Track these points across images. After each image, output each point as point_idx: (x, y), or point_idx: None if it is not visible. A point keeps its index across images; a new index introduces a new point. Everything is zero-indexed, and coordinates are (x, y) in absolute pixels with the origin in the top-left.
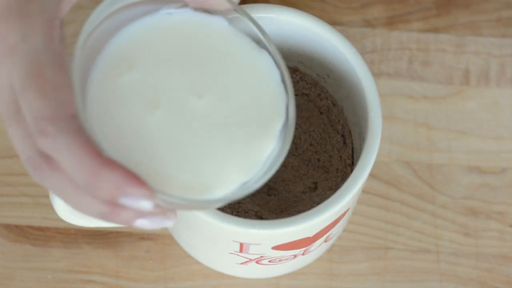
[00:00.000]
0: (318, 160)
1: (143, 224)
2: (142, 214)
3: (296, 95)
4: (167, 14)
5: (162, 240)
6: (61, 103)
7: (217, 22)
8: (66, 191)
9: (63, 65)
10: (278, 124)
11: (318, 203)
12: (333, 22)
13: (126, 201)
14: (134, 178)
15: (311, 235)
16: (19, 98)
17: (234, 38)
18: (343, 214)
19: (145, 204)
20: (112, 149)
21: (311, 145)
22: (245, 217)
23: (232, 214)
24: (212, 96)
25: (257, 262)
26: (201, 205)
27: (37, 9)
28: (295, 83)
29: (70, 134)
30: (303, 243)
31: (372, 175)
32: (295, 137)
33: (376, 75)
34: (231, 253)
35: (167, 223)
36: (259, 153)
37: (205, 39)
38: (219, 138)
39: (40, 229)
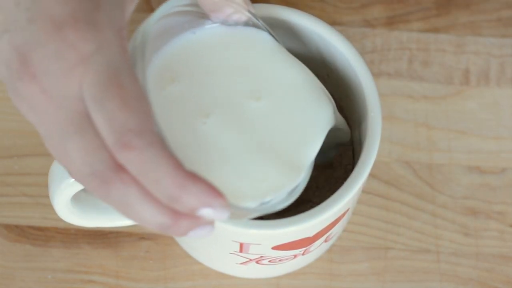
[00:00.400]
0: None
1: (195, 234)
2: (199, 224)
3: None
4: (200, 30)
5: (162, 240)
6: (145, 115)
7: (250, 32)
8: (130, 205)
9: (136, 77)
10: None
11: (318, 203)
12: (333, 22)
13: (205, 212)
14: (215, 190)
15: (311, 235)
16: (94, 109)
17: (271, 46)
18: (343, 214)
19: (223, 215)
20: None
21: None
22: None
23: None
24: (268, 98)
25: (257, 262)
26: (251, 212)
27: (105, 20)
28: None
29: (157, 147)
30: (303, 243)
31: (372, 175)
32: None
33: (376, 75)
34: (231, 253)
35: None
36: (303, 158)
37: (243, 49)
38: (272, 141)
39: (40, 229)
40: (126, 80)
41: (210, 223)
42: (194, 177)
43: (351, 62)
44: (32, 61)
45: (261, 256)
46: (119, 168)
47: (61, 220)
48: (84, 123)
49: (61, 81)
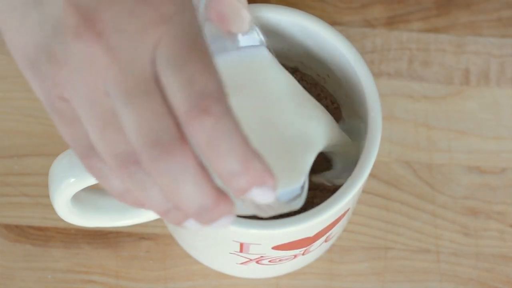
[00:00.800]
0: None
1: (219, 223)
2: (233, 212)
3: None
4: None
5: (162, 240)
6: (222, 81)
7: (255, 53)
8: (180, 181)
9: (208, 45)
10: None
11: (318, 203)
12: (333, 22)
13: (258, 192)
14: (270, 170)
15: (311, 235)
16: (171, 72)
17: (268, 62)
18: (343, 214)
19: (269, 197)
20: None
21: None
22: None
23: None
24: (266, 113)
25: (257, 262)
26: (268, 209)
27: None
28: None
29: (231, 117)
30: (303, 243)
31: (372, 175)
32: None
33: (376, 75)
34: (231, 253)
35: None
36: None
37: (243, 70)
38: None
39: (40, 229)
40: (204, 44)
41: (232, 212)
42: (259, 155)
43: (351, 62)
44: (101, 18)
45: (261, 256)
46: (183, 138)
47: (61, 220)
48: (151, 87)
49: (134, 39)
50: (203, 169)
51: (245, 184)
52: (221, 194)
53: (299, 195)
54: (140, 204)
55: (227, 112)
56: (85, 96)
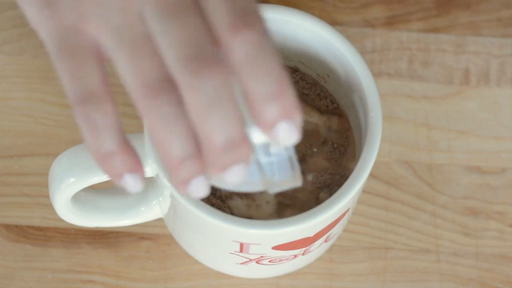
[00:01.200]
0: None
1: (234, 170)
2: (245, 157)
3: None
4: None
5: (162, 240)
6: (258, 1)
7: None
8: (217, 98)
9: None
10: None
11: (319, 203)
12: (333, 22)
13: (285, 127)
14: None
15: (311, 235)
16: None
17: None
18: (343, 214)
19: (294, 138)
20: None
21: None
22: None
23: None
24: None
25: (257, 262)
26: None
27: None
28: (295, 83)
29: (270, 36)
30: (304, 243)
31: (372, 175)
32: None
33: (376, 75)
34: (231, 253)
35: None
36: None
37: None
38: None
39: (40, 229)
40: None
41: (247, 161)
42: (290, 83)
43: (351, 62)
44: None
45: (261, 256)
46: (221, 56)
47: (61, 220)
48: (190, 4)
49: None
50: (236, 102)
51: (276, 112)
52: (246, 134)
53: (292, 169)
54: (131, 169)
55: (268, 31)
56: (116, 22)
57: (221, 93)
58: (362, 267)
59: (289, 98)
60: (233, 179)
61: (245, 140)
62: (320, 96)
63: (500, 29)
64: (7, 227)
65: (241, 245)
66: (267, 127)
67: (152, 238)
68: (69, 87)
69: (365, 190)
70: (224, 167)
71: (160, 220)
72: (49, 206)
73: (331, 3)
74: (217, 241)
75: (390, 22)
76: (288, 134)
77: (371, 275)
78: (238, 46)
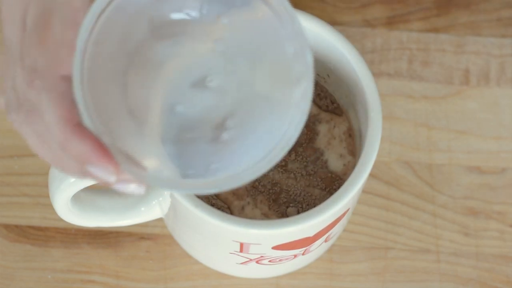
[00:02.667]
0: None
1: (123, 187)
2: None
3: None
4: None
5: (162, 240)
6: (56, 61)
7: None
8: (41, 141)
9: (75, 24)
10: None
11: (318, 203)
12: (333, 22)
13: (92, 170)
14: (101, 152)
15: (311, 235)
16: (25, 38)
17: None
18: (343, 214)
19: (109, 178)
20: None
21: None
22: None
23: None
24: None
25: (257, 262)
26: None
27: None
28: None
29: (53, 94)
30: (303, 243)
31: (372, 175)
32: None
33: (376, 75)
34: (231, 253)
35: (134, 191)
36: None
37: None
38: None
39: (40, 229)
40: (57, 21)
41: (126, 181)
42: (83, 135)
43: (351, 62)
44: None
45: (261, 256)
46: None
47: (61, 220)
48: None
49: None
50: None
51: (73, 159)
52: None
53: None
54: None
55: (49, 89)
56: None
57: (39, 136)
58: (362, 267)
59: (78, 148)
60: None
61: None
62: (320, 96)
63: (500, 29)
64: (7, 227)
65: (241, 245)
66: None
67: (152, 238)
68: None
69: (365, 190)
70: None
71: (160, 220)
72: (49, 206)
73: (331, 3)
74: (217, 241)
75: (390, 22)
76: (100, 174)
77: (371, 275)
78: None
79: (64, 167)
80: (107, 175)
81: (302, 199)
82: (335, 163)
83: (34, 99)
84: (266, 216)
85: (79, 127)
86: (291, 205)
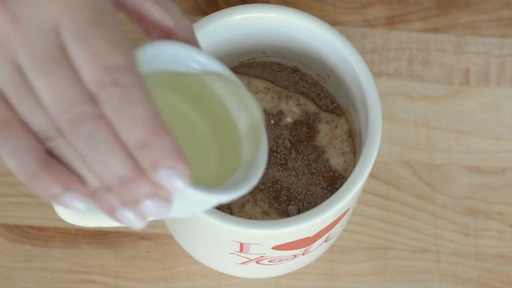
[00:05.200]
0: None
1: (149, 206)
2: (157, 195)
3: (296, 94)
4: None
5: (162, 240)
6: (131, 55)
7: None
8: (98, 145)
9: (118, 21)
10: None
11: (318, 203)
12: (333, 22)
13: (163, 173)
14: (182, 153)
15: (311, 235)
16: (76, 45)
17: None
18: (343, 214)
19: (178, 184)
20: None
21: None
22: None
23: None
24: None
25: (257, 262)
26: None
27: None
28: (295, 83)
29: (142, 87)
30: (303, 243)
31: (372, 175)
32: (294, 137)
33: (376, 75)
34: (231, 253)
35: (164, 215)
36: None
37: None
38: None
39: (40, 229)
40: (110, 20)
41: (168, 200)
42: (169, 131)
43: (351, 62)
44: None
45: (261, 256)
46: (95, 104)
47: (61, 220)
48: (60, 58)
49: (38, 10)
50: (118, 136)
51: (152, 158)
52: (142, 172)
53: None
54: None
55: (137, 83)
56: (3, 73)
57: (100, 139)
58: (362, 267)
59: (165, 143)
60: (130, 223)
61: (138, 176)
62: (320, 96)
63: (500, 29)
64: (7, 227)
65: (241, 245)
66: (151, 168)
67: (152, 238)
68: None
69: (365, 190)
70: (133, 203)
71: (160, 220)
72: (49, 206)
73: (331, 3)
74: (217, 241)
75: (390, 22)
76: (170, 180)
77: (371, 275)
78: (106, 103)
79: (113, 168)
80: (178, 180)
81: (303, 197)
82: (336, 161)
83: (117, 99)
84: (266, 214)
85: (163, 121)
86: (291, 203)
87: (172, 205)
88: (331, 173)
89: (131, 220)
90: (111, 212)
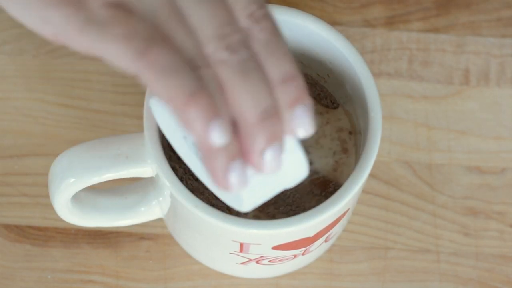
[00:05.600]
0: None
1: (272, 151)
2: (280, 136)
3: None
4: None
5: (162, 240)
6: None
7: None
8: (251, 72)
9: None
10: None
11: (318, 203)
12: (333, 22)
13: (302, 109)
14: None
15: (311, 235)
16: None
17: None
18: (343, 214)
19: (309, 124)
20: None
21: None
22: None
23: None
24: None
25: (257, 262)
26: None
27: None
28: None
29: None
30: (303, 243)
31: (372, 175)
32: None
33: (376, 75)
34: (231, 253)
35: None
36: None
37: None
38: None
39: (40, 229)
40: None
41: (281, 140)
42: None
43: (351, 62)
44: None
45: (261, 256)
46: (248, 36)
47: (61, 220)
48: None
49: None
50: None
51: (294, 92)
52: (277, 106)
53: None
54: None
55: (277, 25)
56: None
57: (249, 65)
58: (362, 267)
59: (300, 80)
60: (271, 166)
61: (277, 112)
62: (320, 96)
63: (500, 29)
64: (7, 227)
65: (241, 245)
66: (289, 106)
67: (152, 238)
68: (124, 43)
69: (365, 190)
70: (261, 150)
71: (160, 220)
72: (49, 206)
73: (331, 3)
74: (217, 241)
75: (390, 22)
76: (304, 120)
77: (371, 275)
78: (257, 34)
79: (272, 114)
80: (311, 116)
81: (291, 201)
82: (325, 162)
83: (269, 32)
84: (257, 218)
85: None
86: (281, 208)
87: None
88: (321, 178)
89: (234, 180)
90: (224, 170)
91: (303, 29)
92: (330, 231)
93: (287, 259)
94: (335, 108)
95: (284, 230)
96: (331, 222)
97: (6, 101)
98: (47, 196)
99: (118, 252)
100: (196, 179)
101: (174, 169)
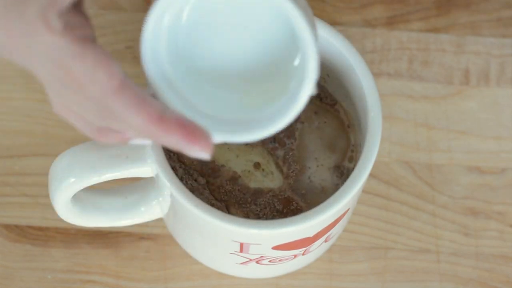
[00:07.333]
0: None
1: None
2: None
3: None
4: None
5: (162, 240)
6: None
7: None
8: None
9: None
10: None
11: (318, 203)
12: (333, 22)
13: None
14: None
15: (311, 235)
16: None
17: None
18: (343, 214)
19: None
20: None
21: None
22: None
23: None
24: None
25: (257, 262)
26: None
27: None
28: None
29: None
30: (303, 243)
31: (372, 175)
32: (295, 137)
33: (376, 75)
34: (231, 253)
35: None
36: None
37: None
38: None
39: (40, 229)
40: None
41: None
42: (169, 124)
43: (351, 62)
44: None
45: (261, 256)
46: None
47: (61, 220)
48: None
49: None
50: None
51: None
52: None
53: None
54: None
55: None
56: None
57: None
58: (362, 267)
59: (170, 139)
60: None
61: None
62: (320, 96)
63: (500, 29)
64: (7, 227)
65: (241, 245)
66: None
67: (152, 238)
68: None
69: (365, 190)
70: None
71: (160, 220)
72: (49, 206)
73: (331, 3)
74: (217, 241)
75: (390, 22)
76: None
77: (371, 275)
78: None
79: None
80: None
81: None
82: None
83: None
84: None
85: (166, 118)
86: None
87: None
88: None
89: None
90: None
91: None
92: (330, 231)
93: (287, 259)
94: (335, 108)
95: (284, 230)
96: (331, 222)
97: (6, 101)
98: (47, 196)
99: (118, 252)
100: (196, 179)
101: (174, 169)
